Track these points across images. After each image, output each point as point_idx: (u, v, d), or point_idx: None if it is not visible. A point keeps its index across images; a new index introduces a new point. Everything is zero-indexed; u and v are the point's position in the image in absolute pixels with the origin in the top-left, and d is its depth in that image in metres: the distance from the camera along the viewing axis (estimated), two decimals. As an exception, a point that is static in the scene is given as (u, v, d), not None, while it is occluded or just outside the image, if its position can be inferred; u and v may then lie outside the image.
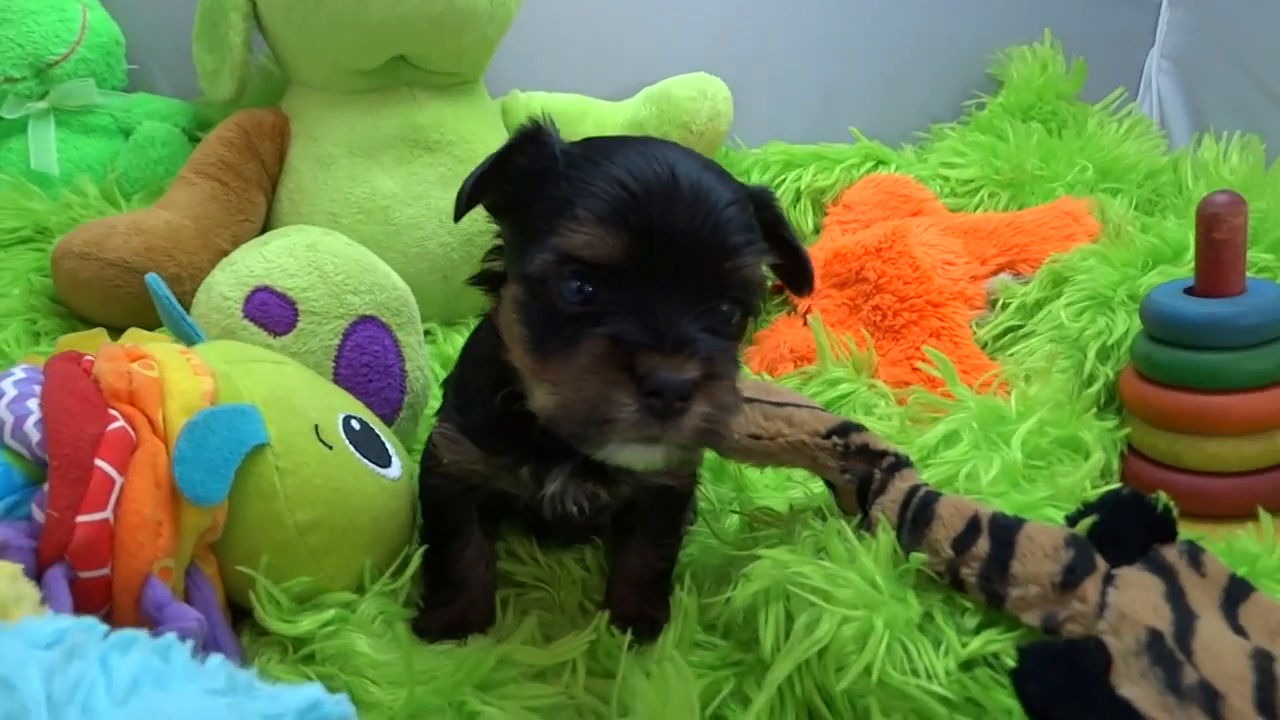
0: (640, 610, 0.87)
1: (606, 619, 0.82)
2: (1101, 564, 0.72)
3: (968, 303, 1.40)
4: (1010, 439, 1.00)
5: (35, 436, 0.69)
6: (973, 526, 0.76)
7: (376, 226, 1.37)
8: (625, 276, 0.63)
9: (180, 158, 1.49)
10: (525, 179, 0.69)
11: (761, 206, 0.73)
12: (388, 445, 0.89)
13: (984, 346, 1.36)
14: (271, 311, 1.02)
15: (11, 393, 0.71)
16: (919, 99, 1.96)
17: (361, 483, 0.82)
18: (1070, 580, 0.70)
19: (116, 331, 0.90)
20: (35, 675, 0.43)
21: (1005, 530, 0.75)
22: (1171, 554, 0.73)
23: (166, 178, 1.46)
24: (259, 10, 1.38)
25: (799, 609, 0.74)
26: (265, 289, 1.03)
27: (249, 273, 1.04)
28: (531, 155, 0.70)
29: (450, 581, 0.86)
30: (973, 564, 0.74)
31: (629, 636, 0.79)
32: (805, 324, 1.42)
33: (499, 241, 0.76)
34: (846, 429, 0.88)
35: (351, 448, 0.83)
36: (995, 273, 1.44)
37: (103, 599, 0.67)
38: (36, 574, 0.64)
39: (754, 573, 0.78)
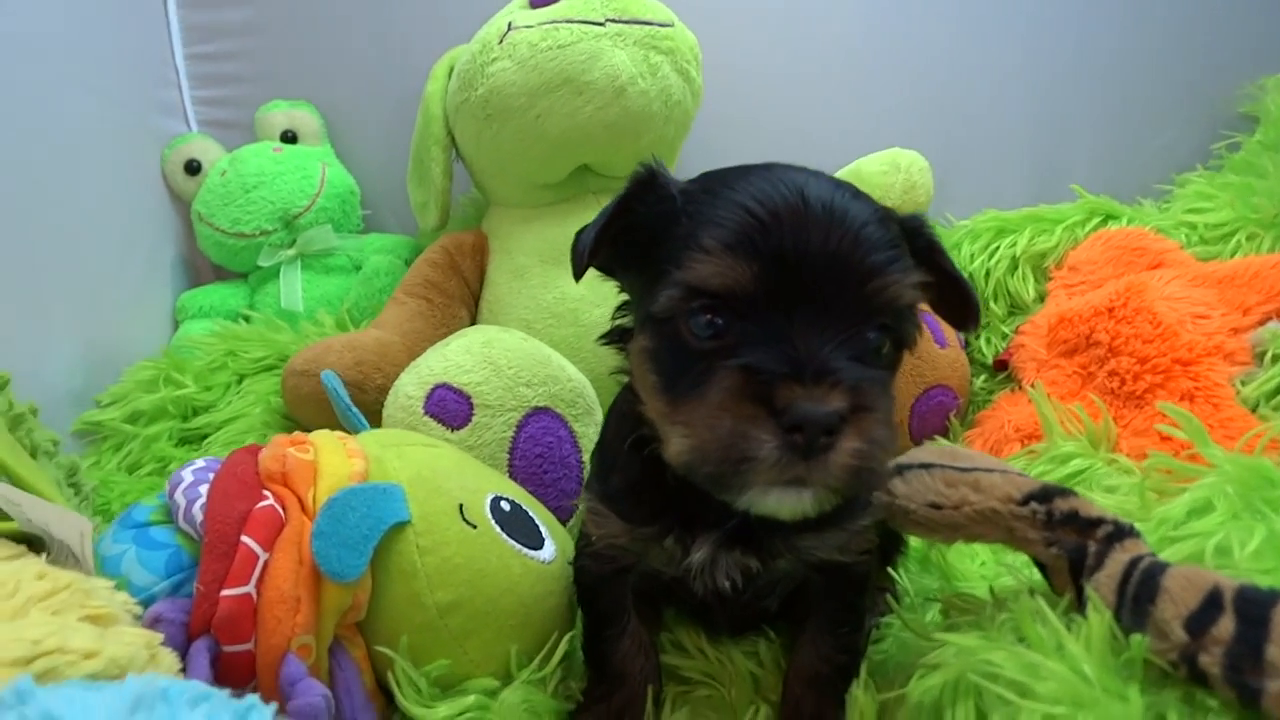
0: (819, 710, 0.77)
1: (764, 713, 0.73)
2: (1402, 647, 0.54)
3: (1228, 358, 1.19)
4: (1281, 505, 0.81)
5: (201, 518, 0.73)
6: (1212, 602, 0.60)
7: (567, 329, 1.40)
8: (758, 306, 0.58)
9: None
10: (646, 227, 0.66)
11: (913, 234, 0.66)
12: (540, 527, 0.87)
13: (1254, 408, 1.14)
14: (448, 407, 1.05)
15: (189, 479, 0.76)
16: (1154, 149, 1.75)
17: (506, 563, 0.79)
18: (1351, 667, 0.53)
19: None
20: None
21: (1256, 605, 0.59)
22: None
23: (388, 303, 1.59)
24: (456, 141, 1.50)
25: (992, 707, 0.62)
26: (443, 386, 1.06)
27: (429, 372, 1.08)
28: (649, 202, 0.67)
29: (607, 675, 0.80)
30: (1214, 649, 0.58)
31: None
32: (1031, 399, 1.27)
33: (625, 297, 0.73)
34: (1049, 494, 0.75)
35: (498, 528, 0.81)
36: (1262, 322, 1.21)
37: (247, 675, 0.68)
38: (187, 648, 0.66)
39: (936, 663, 0.67)
